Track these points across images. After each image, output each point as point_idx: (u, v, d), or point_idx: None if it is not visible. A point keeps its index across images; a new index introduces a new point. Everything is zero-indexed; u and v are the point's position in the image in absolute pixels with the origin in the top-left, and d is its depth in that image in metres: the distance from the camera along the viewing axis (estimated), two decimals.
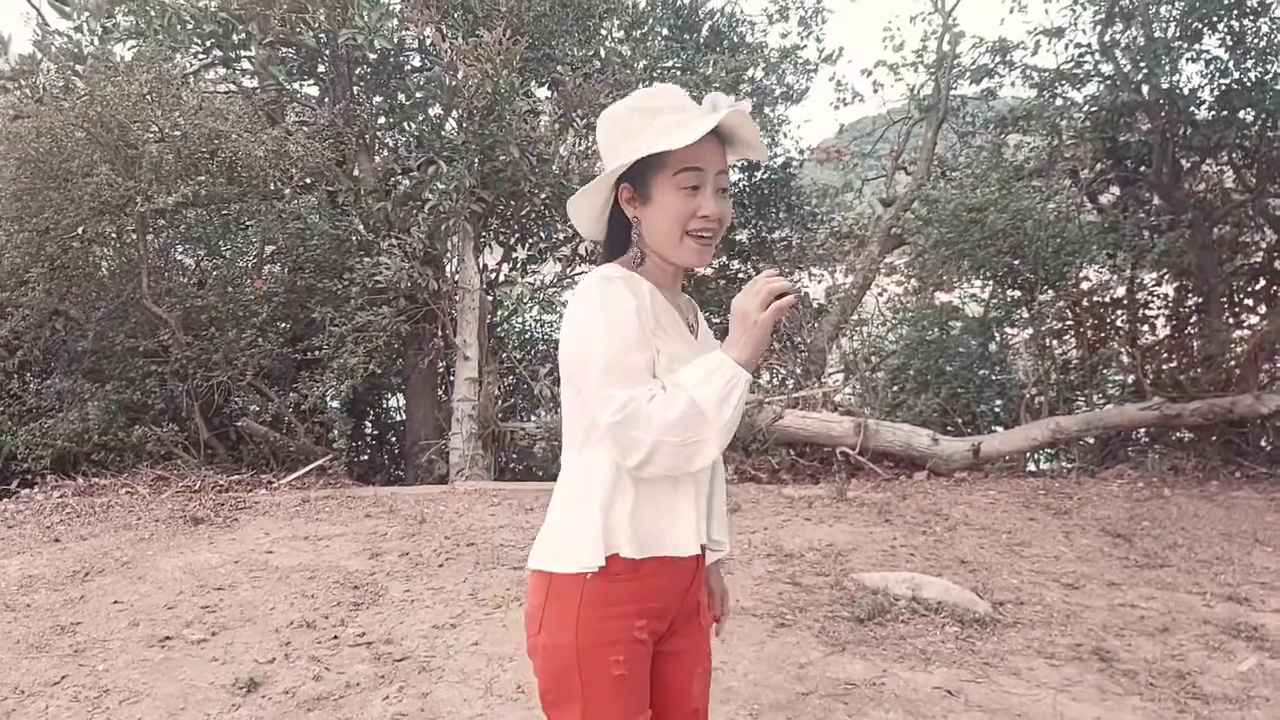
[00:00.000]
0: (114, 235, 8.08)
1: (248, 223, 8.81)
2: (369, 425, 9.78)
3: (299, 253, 8.57)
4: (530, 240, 9.42)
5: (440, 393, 8.73)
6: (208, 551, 5.15)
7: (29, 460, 7.24)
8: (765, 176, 10.33)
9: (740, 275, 10.55)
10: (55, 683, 3.50)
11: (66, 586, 4.61)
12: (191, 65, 8.26)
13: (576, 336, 1.55)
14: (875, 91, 14.11)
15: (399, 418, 9.55)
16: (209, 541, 5.37)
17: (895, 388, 8.92)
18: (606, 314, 1.52)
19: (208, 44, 7.91)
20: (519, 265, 9.60)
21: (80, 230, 7.50)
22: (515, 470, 8.21)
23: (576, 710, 1.58)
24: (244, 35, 7.82)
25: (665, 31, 9.55)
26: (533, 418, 8.92)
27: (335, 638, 3.90)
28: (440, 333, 7.97)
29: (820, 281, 11.18)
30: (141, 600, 4.38)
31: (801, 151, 11.32)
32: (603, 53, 8.74)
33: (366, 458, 9.58)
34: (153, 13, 7.57)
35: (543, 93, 8.75)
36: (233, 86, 8.77)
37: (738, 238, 10.57)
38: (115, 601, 4.37)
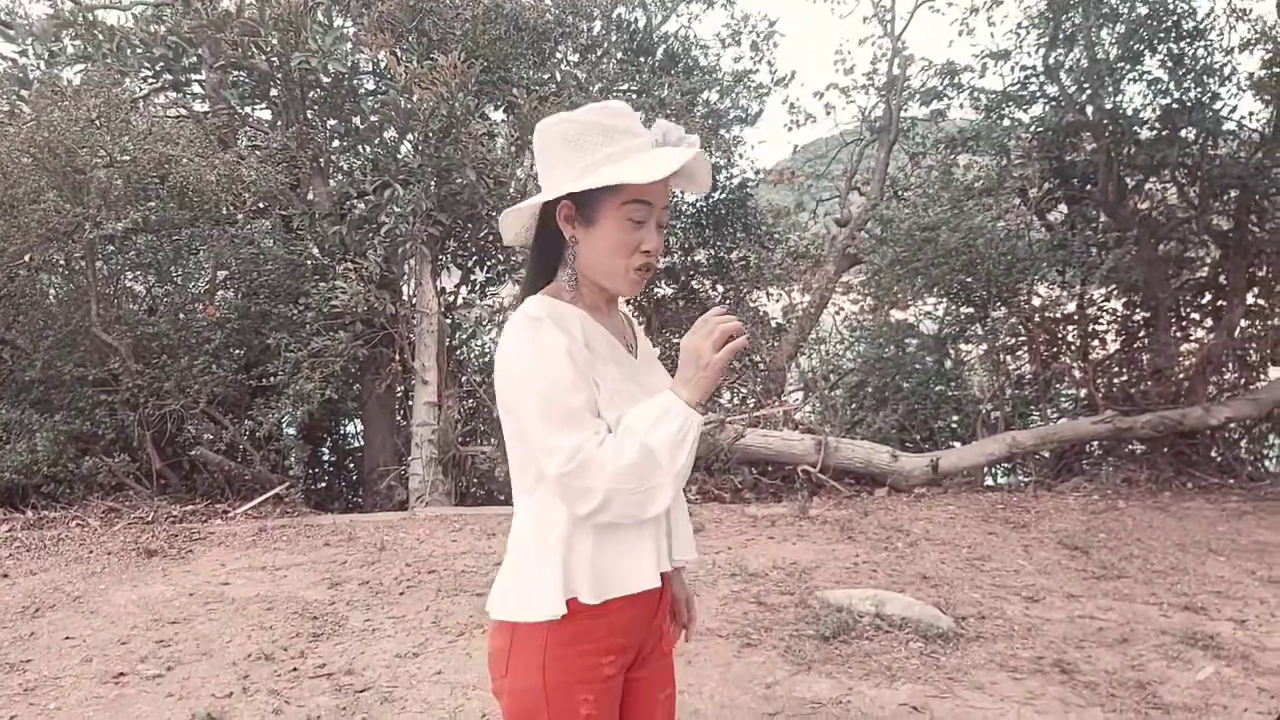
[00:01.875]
0: (62, 262, 7.92)
1: (199, 248, 8.67)
2: (326, 452, 9.63)
3: (253, 278, 8.45)
4: (489, 262, 9.38)
5: (399, 418, 8.63)
6: (162, 584, 5.04)
7: None
8: (722, 197, 10.41)
9: (700, 295, 10.60)
10: None
11: (16, 623, 4.47)
12: (141, 89, 8.13)
13: (511, 385, 1.50)
14: (827, 113, 14.34)
15: (357, 444, 9.43)
16: (163, 574, 5.25)
17: (854, 405, 8.99)
18: (537, 360, 1.47)
19: (157, 68, 7.79)
20: (477, 288, 9.56)
21: (27, 258, 7.33)
22: (476, 495, 8.13)
23: None
24: (194, 59, 7.73)
25: (620, 55, 9.60)
26: (493, 441, 8.85)
27: (295, 670, 3.82)
28: (398, 357, 7.90)
29: (778, 300, 11.26)
30: (94, 635, 4.27)
31: (757, 173, 11.43)
32: (558, 76, 8.76)
33: (324, 485, 9.42)
34: (100, 37, 7.46)
35: (498, 115, 8.75)
36: (183, 111, 8.65)
37: (696, 258, 10.62)
38: (67, 637, 4.25)
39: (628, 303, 1.74)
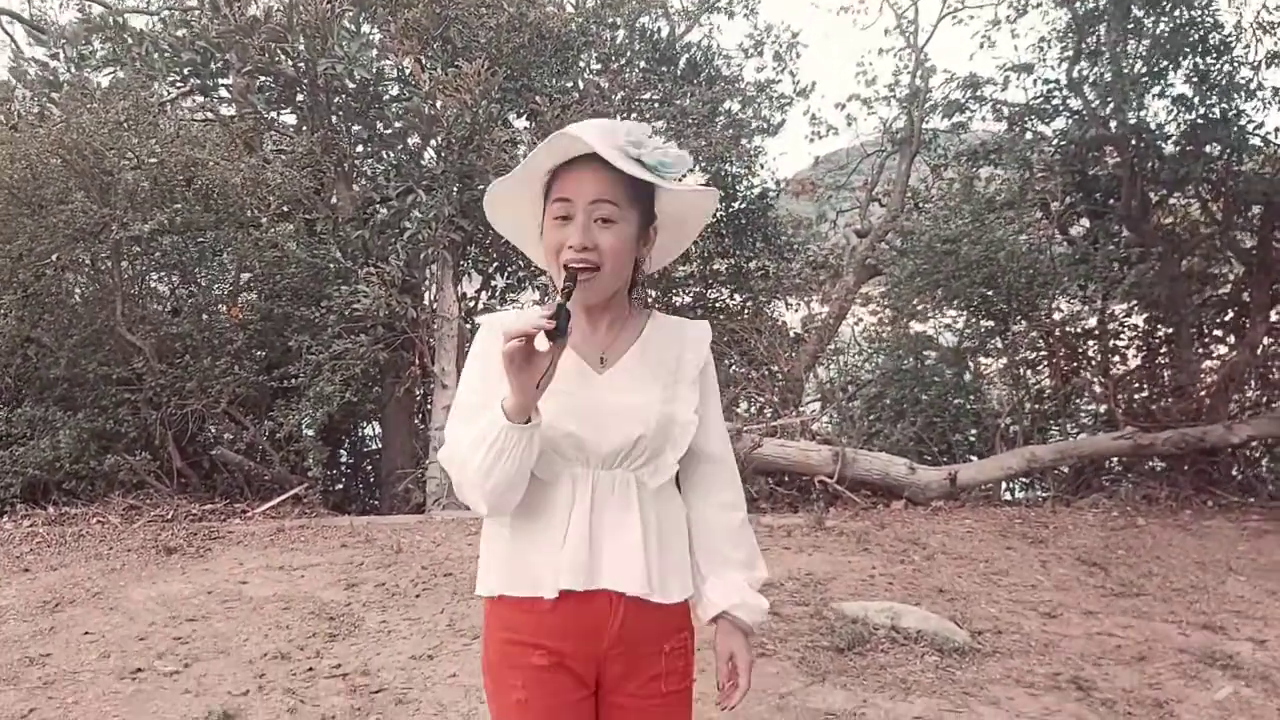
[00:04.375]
0: (88, 262, 7.99)
1: (224, 250, 8.73)
2: (344, 453, 9.69)
3: (276, 280, 8.50)
4: (509, 269, 9.43)
5: (417, 421, 8.68)
6: (180, 582, 5.08)
7: None
8: (742, 207, 10.40)
9: (718, 304, 10.60)
10: (24, 716, 3.44)
11: (36, 617, 4.53)
12: (169, 93, 8.24)
13: None
14: (849, 125, 14.27)
15: (375, 446, 9.48)
16: (181, 571, 5.30)
17: (872, 416, 8.96)
18: (469, 360, 1.66)
19: (185, 72, 7.89)
20: (498, 293, 9.60)
21: (54, 257, 7.43)
22: None
23: None
24: (222, 64, 7.82)
25: (643, 64, 9.63)
26: None
27: (310, 669, 3.85)
28: (418, 361, 7.94)
29: (797, 310, 11.24)
30: (113, 631, 4.32)
31: (778, 183, 11.41)
32: (581, 84, 8.81)
33: (341, 486, 9.47)
34: (130, 41, 7.56)
35: (521, 123, 8.79)
36: (210, 115, 8.75)
37: (715, 267, 10.62)
38: (86, 633, 4.30)
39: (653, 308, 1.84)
